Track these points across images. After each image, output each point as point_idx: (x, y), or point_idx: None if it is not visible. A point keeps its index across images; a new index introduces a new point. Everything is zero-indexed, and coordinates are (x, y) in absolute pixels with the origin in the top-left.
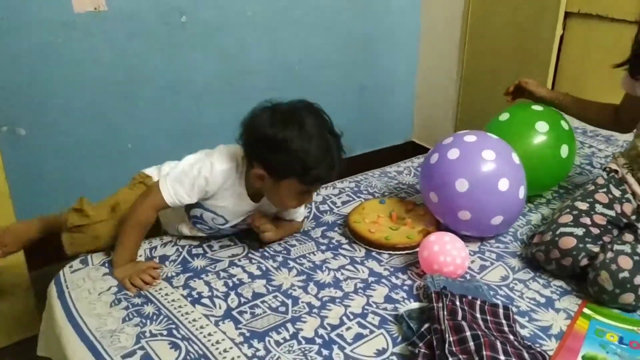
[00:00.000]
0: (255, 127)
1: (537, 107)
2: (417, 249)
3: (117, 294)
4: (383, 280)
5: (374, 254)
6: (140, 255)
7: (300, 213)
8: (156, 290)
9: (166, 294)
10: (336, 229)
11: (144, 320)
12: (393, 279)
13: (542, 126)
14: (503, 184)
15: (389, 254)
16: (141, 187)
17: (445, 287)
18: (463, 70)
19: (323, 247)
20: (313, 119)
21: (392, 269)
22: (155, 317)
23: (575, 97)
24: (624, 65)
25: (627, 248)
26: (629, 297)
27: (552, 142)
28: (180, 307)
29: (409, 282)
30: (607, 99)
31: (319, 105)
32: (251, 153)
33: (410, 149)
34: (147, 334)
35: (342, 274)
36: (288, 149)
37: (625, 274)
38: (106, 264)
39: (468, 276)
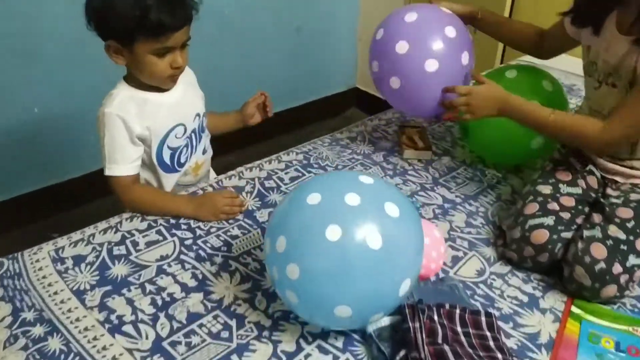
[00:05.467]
0: (86, 8)
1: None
2: None
3: (13, 327)
4: None
5: None
6: (44, 258)
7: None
8: (64, 313)
9: (77, 319)
10: None
11: None
12: None
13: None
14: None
15: None
16: None
17: (420, 301)
18: None
19: None
20: None
21: None
22: (63, 356)
23: (493, 12)
24: (569, 14)
25: (597, 232)
26: (611, 290)
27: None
28: (95, 338)
29: None
30: None
31: None
32: (99, 32)
33: (354, 96)
34: None
35: None
36: (113, 5)
37: (602, 265)
38: None
39: (441, 273)
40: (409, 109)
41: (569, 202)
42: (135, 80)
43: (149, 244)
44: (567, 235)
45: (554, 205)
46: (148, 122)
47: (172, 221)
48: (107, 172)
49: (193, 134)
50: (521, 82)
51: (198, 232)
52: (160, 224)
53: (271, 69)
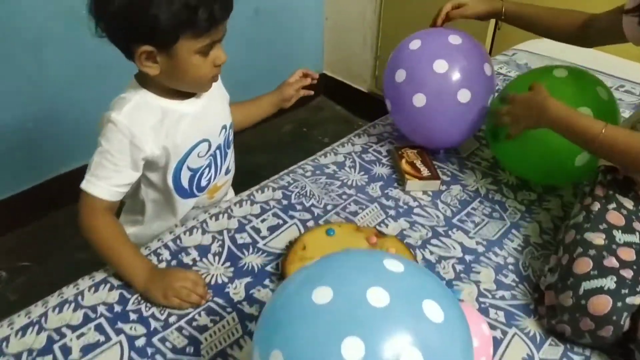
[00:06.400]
0: (98, 12)
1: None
2: None
3: None
4: None
5: None
6: None
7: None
8: None
9: None
10: (266, 281)
11: None
12: None
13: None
14: None
15: None
16: None
17: None
18: None
19: (250, 326)
20: None
21: None
22: None
23: (521, 5)
24: (636, 12)
25: None
26: None
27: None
28: None
29: None
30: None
31: None
32: (124, 38)
33: (322, 84)
34: None
35: None
36: (151, 3)
37: None
38: None
39: None
40: (423, 133)
41: (629, 254)
42: (153, 83)
43: (85, 350)
44: (634, 300)
45: (611, 261)
46: (165, 139)
47: (117, 309)
48: (83, 185)
49: (218, 151)
50: (572, 84)
51: (153, 324)
52: (101, 314)
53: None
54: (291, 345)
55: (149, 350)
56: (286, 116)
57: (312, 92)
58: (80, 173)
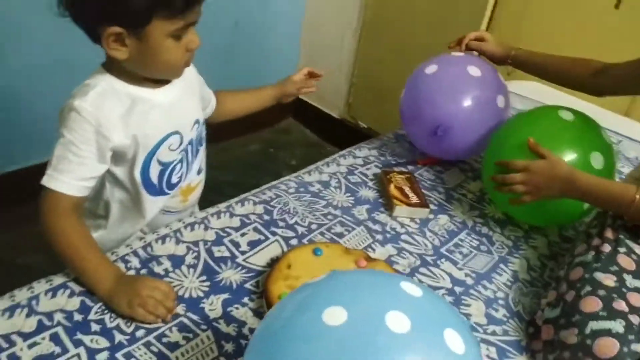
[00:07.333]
0: None
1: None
2: None
3: None
4: None
5: None
6: None
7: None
8: None
9: None
10: (245, 298)
11: None
12: None
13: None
14: None
15: None
16: None
17: None
18: (366, 13)
19: (227, 347)
20: None
21: None
22: None
23: (531, 52)
24: None
25: None
26: None
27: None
28: None
29: None
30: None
31: None
32: (91, 17)
33: (292, 105)
34: None
35: None
36: None
37: None
38: None
39: None
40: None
41: (638, 300)
42: (121, 70)
43: None
44: (639, 348)
45: (621, 305)
46: (135, 128)
47: (77, 317)
48: (45, 181)
49: (190, 147)
50: (580, 127)
51: (118, 337)
52: (58, 323)
53: (202, 66)
54: None
55: None
56: (253, 136)
57: (313, 90)
58: (37, 171)
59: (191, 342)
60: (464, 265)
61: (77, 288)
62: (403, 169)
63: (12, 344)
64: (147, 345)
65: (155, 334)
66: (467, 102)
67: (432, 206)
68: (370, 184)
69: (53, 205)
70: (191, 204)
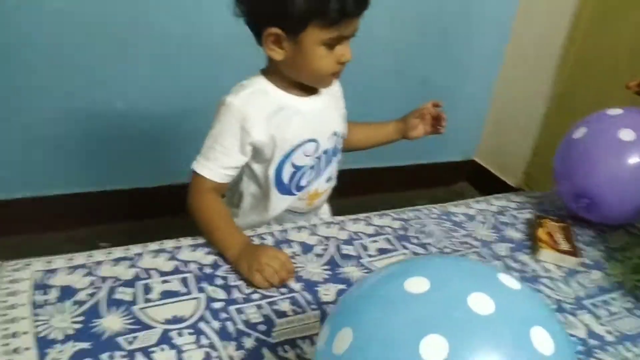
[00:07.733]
0: None
1: None
2: None
3: None
4: None
5: None
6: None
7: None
8: None
9: None
10: None
11: None
12: None
13: None
14: None
15: None
16: None
17: None
18: (558, 86)
19: None
20: None
21: None
22: None
23: None
24: None
25: None
26: None
27: None
28: None
29: None
30: None
31: None
32: (257, 18)
33: (470, 170)
34: None
35: None
36: None
37: None
38: None
39: None
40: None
41: None
42: (276, 76)
43: (165, 295)
44: None
45: None
46: (275, 129)
47: (208, 270)
48: (194, 165)
49: (324, 155)
50: None
51: (234, 294)
52: (191, 271)
53: (384, 116)
54: (365, 326)
55: (222, 315)
56: (422, 192)
57: (441, 132)
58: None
59: (298, 315)
60: (607, 322)
61: (215, 250)
62: (560, 220)
63: (149, 276)
64: (259, 307)
65: (268, 300)
66: (615, 172)
67: (586, 260)
68: (519, 226)
69: (197, 186)
70: (315, 208)
